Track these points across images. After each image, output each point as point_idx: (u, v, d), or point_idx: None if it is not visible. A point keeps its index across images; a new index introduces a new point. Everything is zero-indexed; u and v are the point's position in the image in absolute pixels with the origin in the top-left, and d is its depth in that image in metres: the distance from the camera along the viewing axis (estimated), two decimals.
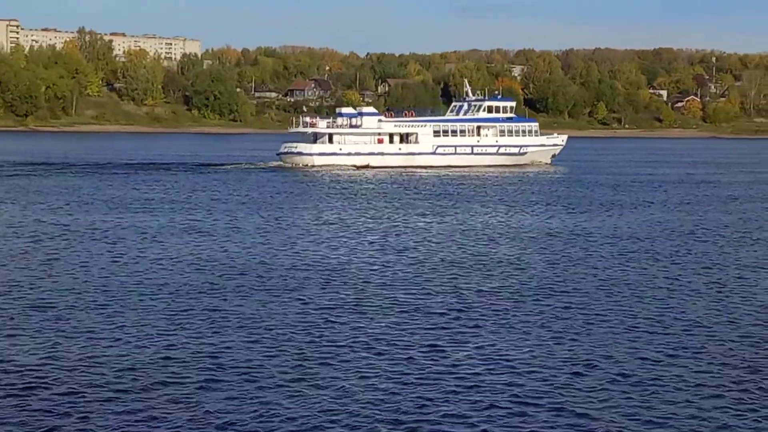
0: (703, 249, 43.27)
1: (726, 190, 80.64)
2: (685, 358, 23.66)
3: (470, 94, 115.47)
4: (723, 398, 20.54)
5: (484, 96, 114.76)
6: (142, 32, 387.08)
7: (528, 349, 24.35)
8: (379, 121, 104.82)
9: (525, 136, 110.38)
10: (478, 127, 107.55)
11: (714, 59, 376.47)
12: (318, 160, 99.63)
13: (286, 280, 33.46)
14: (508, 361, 23.19)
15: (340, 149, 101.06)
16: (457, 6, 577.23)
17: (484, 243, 44.18)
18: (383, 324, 26.88)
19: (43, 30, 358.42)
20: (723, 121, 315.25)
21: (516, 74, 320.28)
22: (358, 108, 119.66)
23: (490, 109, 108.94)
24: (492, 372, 22.20)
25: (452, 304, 29.70)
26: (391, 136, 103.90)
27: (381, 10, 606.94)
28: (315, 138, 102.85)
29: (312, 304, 29.43)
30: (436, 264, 37.54)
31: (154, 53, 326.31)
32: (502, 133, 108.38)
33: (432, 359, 23.20)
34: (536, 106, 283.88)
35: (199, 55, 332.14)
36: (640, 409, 19.66)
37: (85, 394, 20.03)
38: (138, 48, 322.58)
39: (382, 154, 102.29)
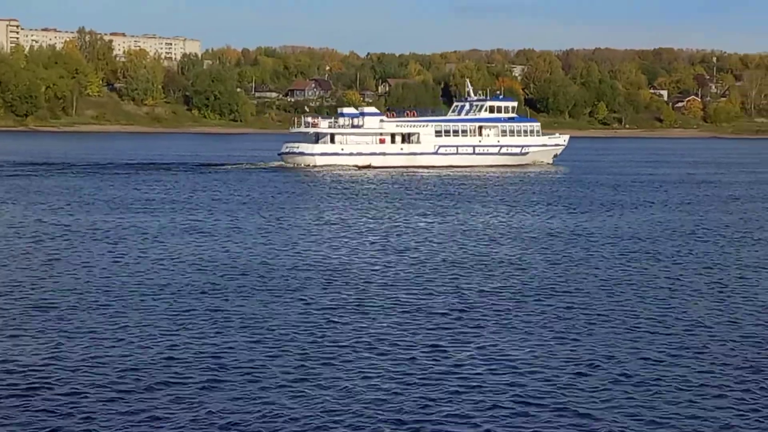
0: (704, 249, 43.27)
1: (727, 190, 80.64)
2: (687, 358, 23.67)
3: (472, 94, 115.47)
4: (725, 398, 20.54)
5: (486, 96, 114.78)
6: (142, 32, 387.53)
7: (530, 349, 24.35)
8: (381, 121, 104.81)
9: (527, 136, 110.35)
10: (480, 127, 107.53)
11: (714, 59, 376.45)
12: (320, 160, 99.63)
13: (288, 280, 33.46)
14: (510, 361, 23.20)
15: (342, 149, 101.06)
16: (457, 6, 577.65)
17: (486, 243, 44.18)
18: (385, 324, 26.88)
19: (43, 30, 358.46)
20: (724, 121, 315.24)
21: (516, 74, 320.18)
22: (359, 108, 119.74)
23: (491, 109, 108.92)
24: (494, 372, 22.20)
25: (454, 305, 29.70)
26: (392, 136, 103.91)
27: (381, 10, 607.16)
28: (317, 138, 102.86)
29: (314, 304, 29.43)
30: (438, 264, 37.54)
31: (155, 53, 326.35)
32: (503, 133, 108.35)
33: (434, 359, 23.20)
34: (537, 106, 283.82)
35: (200, 55, 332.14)
36: (642, 409, 19.66)
37: (88, 395, 20.04)
38: (138, 48, 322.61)
39: (383, 154, 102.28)
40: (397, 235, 46.83)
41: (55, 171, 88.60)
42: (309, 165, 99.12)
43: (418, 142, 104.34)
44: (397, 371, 22.10)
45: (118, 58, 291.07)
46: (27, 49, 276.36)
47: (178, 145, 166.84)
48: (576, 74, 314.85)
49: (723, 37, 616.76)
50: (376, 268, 36.46)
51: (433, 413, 19.31)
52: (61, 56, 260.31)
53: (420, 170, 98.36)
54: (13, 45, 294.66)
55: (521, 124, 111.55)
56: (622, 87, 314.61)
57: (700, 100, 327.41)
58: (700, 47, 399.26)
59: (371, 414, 19.18)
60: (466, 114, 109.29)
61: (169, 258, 37.94)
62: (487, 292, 31.90)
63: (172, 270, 35.17)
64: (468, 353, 23.84)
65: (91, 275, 33.77)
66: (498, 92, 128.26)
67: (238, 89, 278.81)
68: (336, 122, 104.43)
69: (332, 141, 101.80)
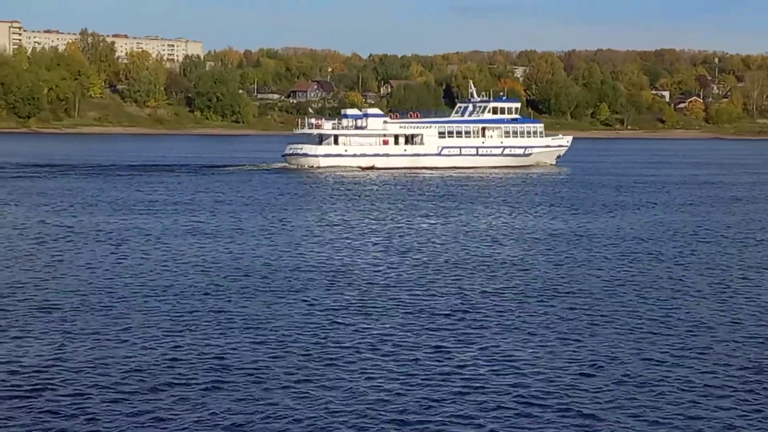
0: (707, 250, 43.27)
1: (729, 191, 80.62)
2: (690, 359, 23.68)
3: (475, 95, 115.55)
4: (728, 399, 20.56)
5: (489, 97, 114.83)
6: (144, 34, 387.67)
7: (533, 349, 24.37)
8: (385, 122, 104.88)
9: (530, 137, 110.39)
10: (483, 129, 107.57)
11: (716, 60, 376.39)
12: (323, 162, 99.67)
13: (291, 281, 33.49)
14: (513, 361, 23.22)
15: (346, 150, 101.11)
16: (457, 6, 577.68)
17: (489, 244, 44.20)
18: (388, 325, 26.90)
19: (45, 32, 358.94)
20: (725, 122, 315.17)
21: (518, 75, 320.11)
22: (363, 109, 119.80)
23: (495, 111, 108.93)
24: (497, 373, 22.23)
25: (457, 305, 29.72)
26: (396, 137, 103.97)
27: (382, 10, 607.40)
28: (320, 139, 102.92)
29: (317, 305, 29.45)
30: (441, 265, 37.55)
31: (157, 55, 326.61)
32: (507, 134, 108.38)
33: (437, 360, 23.22)
34: (539, 107, 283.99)
35: (202, 57, 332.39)
36: (645, 410, 19.67)
37: (92, 396, 20.07)
38: (140, 50, 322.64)
39: (387, 155, 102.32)
40: (400, 236, 46.85)
41: (58, 172, 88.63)
42: (312, 166, 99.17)
43: (421, 143, 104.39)
44: (401, 372, 22.12)
45: (120, 60, 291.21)
46: (29, 50, 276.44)
47: (181, 146, 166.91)
48: (578, 75, 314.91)
49: (724, 38, 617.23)
50: (380, 269, 36.48)
51: (436, 414, 19.34)
52: (64, 58, 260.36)
53: (423, 171, 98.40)
54: (16, 47, 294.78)
55: (524, 126, 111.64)
56: (624, 88, 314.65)
57: (702, 101, 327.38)
58: (702, 48, 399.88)
59: (375, 415, 19.20)
60: (470, 115, 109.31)
61: (172, 259, 37.97)
62: (490, 292, 31.92)
63: (176, 271, 35.20)
64: (471, 354, 23.86)
65: (94, 276, 33.80)
66: (501, 93, 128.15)
67: (240, 91, 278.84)
68: (339, 123, 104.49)
69: (336, 142, 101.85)
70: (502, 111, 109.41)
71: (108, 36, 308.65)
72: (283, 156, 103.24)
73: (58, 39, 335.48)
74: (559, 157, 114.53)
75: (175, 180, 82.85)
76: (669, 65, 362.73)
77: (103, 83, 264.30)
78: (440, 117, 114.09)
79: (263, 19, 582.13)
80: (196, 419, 18.80)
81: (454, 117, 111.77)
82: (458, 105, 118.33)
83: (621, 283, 34.18)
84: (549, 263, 38.47)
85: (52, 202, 61.69)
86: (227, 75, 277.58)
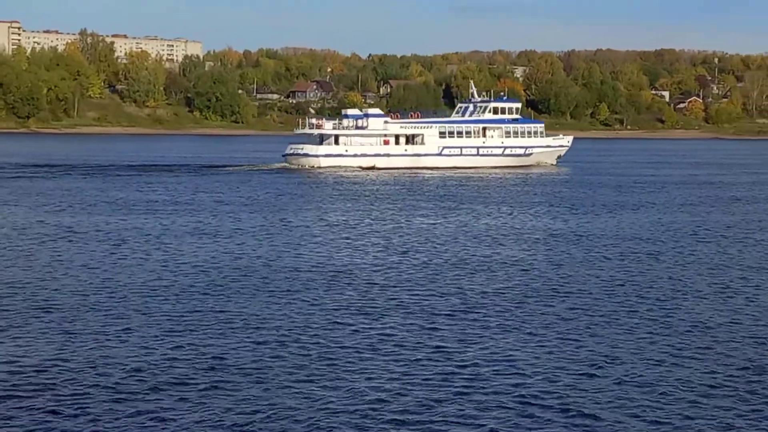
0: (706, 250, 43.28)
1: (729, 191, 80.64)
2: (691, 359, 23.70)
3: (476, 95, 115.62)
4: (728, 399, 20.58)
5: (490, 97, 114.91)
6: (144, 34, 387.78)
7: (533, 349, 24.38)
8: (385, 122, 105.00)
9: (531, 137, 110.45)
10: (484, 129, 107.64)
11: (716, 60, 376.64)
12: (324, 162, 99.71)
13: (292, 281, 33.48)
14: (513, 361, 23.23)
15: (346, 150, 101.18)
16: (457, 6, 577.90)
17: (490, 244, 44.20)
18: (389, 325, 26.90)
19: (44, 32, 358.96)
20: (725, 122, 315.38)
21: (518, 75, 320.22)
22: (363, 110, 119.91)
23: (495, 111, 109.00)
24: (498, 373, 22.23)
25: (457, 305, 29.73)
26: (396, 137, 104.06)
27: (381, 10, 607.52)
28: (321, 139, 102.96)
29: (318, 305, 29.46)
30: (442, 265, 37.56)
31: (156, 55, 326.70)
32: (507, 134, 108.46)
33: (438, 360, 23.23)
34: (538, 107, 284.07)
35: (201, 57, 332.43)
36: (646, 410, 19.69)
37: (92, 396, 20.07)
38: (140, 50, 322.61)
39: (388, 155, 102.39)
40: (400, 236, 46.86)
41: (57, 173, 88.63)
42: (313, 166, 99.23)
43: (422, 143, 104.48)
44: (401, 372, 22.13)
45: (119, 60, 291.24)
46: (29, 50, 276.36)
47: (180, 146, 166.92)
48: (577, 75, 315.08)
49: (724, 38, 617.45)
50: (380, 269, 36.48)
51: (437, 414, 19.35)
52: (63, 58, 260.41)
53: (424, 171, 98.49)
54: (15, 47, 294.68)
55: (525, 126, 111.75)
56: (624, 88, 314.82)
57: (701, 101, 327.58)
58: (702, 48, 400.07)
59: (376, 415, 19.21)
60: (470, 115, 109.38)
61: (173, 260, 37.97)
62: (491, 292, 31.92)
63: (177, 271, 35.20)
64: (471, 354, 23.87)
65: (94, 276, 33.79)
66: (502, 93, 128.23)
67: (240, 91, 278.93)
68: (340, 124, 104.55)
69: (336, 142, 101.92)
70: (503, 111, 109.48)
71: (107, 36, 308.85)
72: (283, 156, 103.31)
73: (57, 39, 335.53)
74: (559, 157, 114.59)
75: (175, 180, 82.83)
76: (669, 65, 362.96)
77: (102, 83, 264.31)
78: (441, 117, 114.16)
79: (263, 19, 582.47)
80: (197, 419, 18.80)
81: (454, 117, 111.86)
82: (459, 105, 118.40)
83: (621, 283, 34.18)
84: (549, 263, 38.48)
85: (51, 202, 61.68)
86: (226, 75, 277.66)
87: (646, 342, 25.32)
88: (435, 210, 60.15)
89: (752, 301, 31.24)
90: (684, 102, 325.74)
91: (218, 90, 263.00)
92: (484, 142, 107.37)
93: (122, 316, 27.51)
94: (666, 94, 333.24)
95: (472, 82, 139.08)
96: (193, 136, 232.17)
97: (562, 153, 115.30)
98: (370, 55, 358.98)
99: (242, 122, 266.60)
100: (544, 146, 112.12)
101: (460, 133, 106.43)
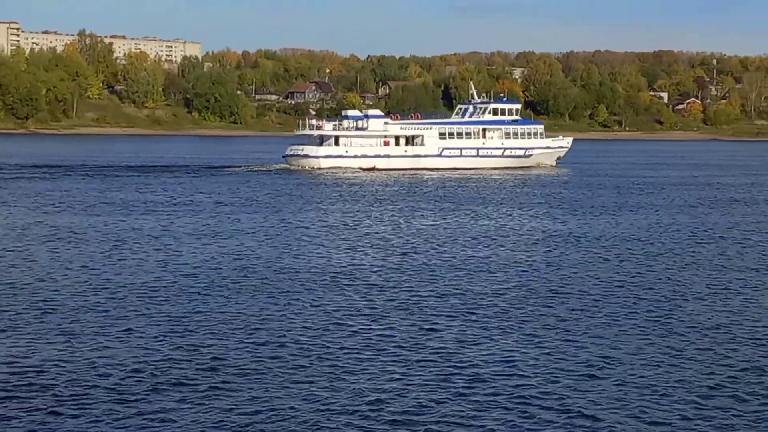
0: (706, 251, 43.30)
1: (728, 193, 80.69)
2: (691, 359, 23.73)
3: (476, 96, 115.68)
4: (729, 399, 20.62)
5: (490, 98, 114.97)
6: (143, 35, 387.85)
7: (534, 350, 24.40)
8: (385, 123, 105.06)
9: (530, 138, 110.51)
10: (484, 130, 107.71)
11: (714, 61, 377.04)
12: (324, 163, 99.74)
13: (292, 282, 33.48)
14: (513, 362, 23.25)
15: (347, 152, 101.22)
16: (457, 6, 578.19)
17: (489, 245, 44.21)
18: (389, 326, 26.92)
19: (43, 32, 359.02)
20: (724, 124, 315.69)
21: (516, 76, 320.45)
22: (364, 111, 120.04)
23: (495, 112, 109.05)
24: (498, 373, 22.26)
25: (457, 306, 29.74)
26: (397, 138, 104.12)
27: (380, 11, 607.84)
28: (321, 140, 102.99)
29: (318, 306, 29.47)
30: (442, 266, 37.57)
31: (155, 56, 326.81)
32: (507, 135, 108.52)
33: (438, 361, 23.25)
34: (537, 108, 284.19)
35: (200, 58, 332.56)
36: (646, 410, 19.72)
37: (93, 396, 20.08)
38: (138, 50, 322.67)
39: (388, 156, 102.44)
40: (400, 237, 46.87)
41: (56, 173, 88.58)
42: (314, 167, 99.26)
43: (422, 144, 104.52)
44: (402, 373, 22.15)
45: (118, 61, 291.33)
46: (27, 51, 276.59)
47: (179, 147, 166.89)
48: (576, 76, 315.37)
49: (723, 39, 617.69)
50: (380, 270, 36.48)
51: (437, 414, 19.36)
52: (62, 59, 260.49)
53: (424, 172, 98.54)
54: (14, 47, 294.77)
55: (525, 127, 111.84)
56: (622, 89, 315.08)
57: (700, 102, 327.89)
58: (700, 49, 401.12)
59: (376, 415, 19.22)
60: (470, 116, 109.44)
61: (173, 260, 37.97)
62: (491, 294, 31.93)
63: (176, 272, 35.19)
64: (471, 354, 23.88)
65: (94, 277, 33.78)
66: (502, 95, 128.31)
67: (239, 92, 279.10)
68: (340, 125, 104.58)
69: (337, 143, 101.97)
70: (503, 112, 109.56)
71: (106, 37, 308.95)
72: (284, 157, 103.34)
73: (56, 40, 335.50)
74: (559, 158, 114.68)
75: (175, 181, 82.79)
76: (667, 66, 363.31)
77: (101, 84, 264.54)
78: (440, 118, 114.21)
79: (261, 20, 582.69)
80: (197, 420, 18.81)
81: (454, 118, 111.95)
82: (459, 106, 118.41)
83: (620, 284, 34.20)
84: (549, 264, 38.50)
85: (50, 203, 61.65)
86: (225, 76, 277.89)
87: (645, 343, 25.33)
88: (435, 211, 60.17)
89: (751, 302, 31.25)
90: (682, 103, 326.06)
91: (217, 91, 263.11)
92: (484, 143, 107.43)
93: (122, 316, 27.51)
94: (664, 95, 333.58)
95: (472, 83, 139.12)
96: (191, 137, 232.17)
97: (562, 154, 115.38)
98: (368, 56, 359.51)
99: (241, 123, 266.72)
100: (544, 147, 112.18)
101: (460, 135, 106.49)
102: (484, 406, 19.89)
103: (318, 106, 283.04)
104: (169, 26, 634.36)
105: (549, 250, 42.70)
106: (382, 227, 50.95)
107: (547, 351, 24.35)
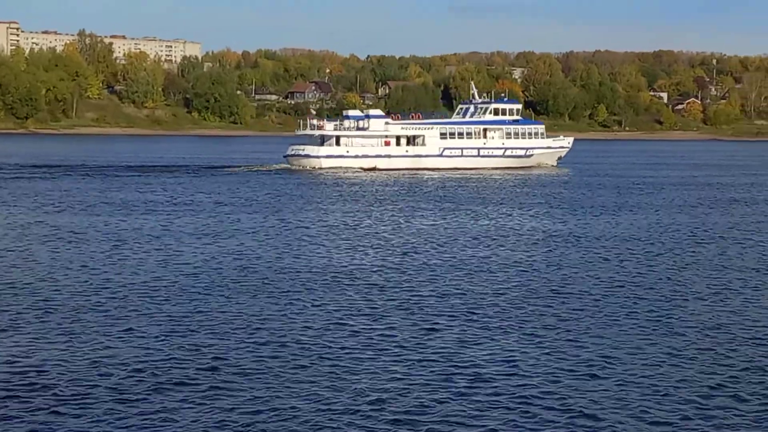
0: (706, 251, 43.34)
1: (728, 193, 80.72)
2: (691, 359, 23.75)
3: (477, 96, 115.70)
4: (729, 399, 20.64)
5: (491, 98, 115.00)
6: (143, 35, 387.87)
7: (534, 350, 24.42)
8: (386, 123, 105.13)
9: (531, 138, 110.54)
10: (485, 130, 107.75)
11: (714, 61, 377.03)
12: (325, 163, 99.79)
13: (293, 282, 33.50)
14: (514, 362, 23.27)
15: (348, 152, 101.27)
16: (457, 6, 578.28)
17: (490, 245, 44.23)
18: (390, 326, 26.94)
19: (43, 32, 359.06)
20: (723, 124, 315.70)
21: (516, 77, 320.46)
22: (365, 111, 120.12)
23: (496, 112, 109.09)
24: (499, 373, 22.28)
25: (458, 306, 29.77)
26: (398, 138, 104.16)
27: (380, 11, 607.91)
28: (322, 140, 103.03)
29: (319, 306, 29.49)
30: (442, 266, 37.59)
31: (155, 56, 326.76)
32: (508, 135, 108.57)
33: (439, 361, 23.27)
34: (537, 108, 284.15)
35: (200, 58, 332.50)
36: (647, 410, 19.74)
37: (94, 396, 20.09)
38: (138, 50, 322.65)
39: (389, 156, 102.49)
40: (401, 237, 46.89)
41: (56, 173, 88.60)
42: (315, 167, 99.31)
43: (423, 144, 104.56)
44: (403, 372, 22.17)
45: (118, 61, 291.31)
46: (27, 51, 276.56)
47: (179, 147, 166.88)
48: (576, 76, 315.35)
49: (723, 39, 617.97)
50: (381, 270, 36.50)
51: (438, 414, 19.38)
52: (62, 59, 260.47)
53: (425, 172, 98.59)
54: (14, 47, 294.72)
55: (526, 127, 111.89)
56: (622, 89, 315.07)
57: (699, 102, 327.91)
58: (700, 49, 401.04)
59: (378, 415, 19.24)
60: (471, 116, 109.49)
61: (174, 260, 37.98)
62: (492, 293, 31.95)
63: (177, 272, 35.20)
64: (472, 354, 23.90)
65: (94, 277, 33.79)
66: (503, 95, 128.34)
67: (238, 92, 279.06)
68: (341, 125, 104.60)
69: (338, 143, 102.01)
70: (504, 112, 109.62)
71: (106, 37, 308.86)
72: (285, 157, 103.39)
73: (56, 40, 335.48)
74: (560, 158, 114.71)
75: (176, 181, 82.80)
76: (667, 66, 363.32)
77: (100, 84, 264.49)
78: (440, 118, 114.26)
79: (261, 20, 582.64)
80: (199, 419, 18.83)
81: (455, 118, 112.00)
82: (459, 106, 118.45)
83: (620, 284, 34.22)
84: (549, 264, 38.52)
85: (50, 202, 61.66)
86: (225, 76, 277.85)
87: (646, 342, 25.35)
88: (436, 211, 60.19)
89: (752, 302, 31.28)
90: (682, 103, 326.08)
91: (217, 91, 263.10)
92: (484, 144, 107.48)
93: (123, 316, 27.53)
94: (664, 95, 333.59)
95: (473, 83, 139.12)
96: (191, 137, 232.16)
97: (563, 154, 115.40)
98: (368, 56, 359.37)
99: (241, 123, 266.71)
100: (545, 147, 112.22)
101: (461, 134, 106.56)
102: (486, 406, 19.91)
103: (318, 106, 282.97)
104: (169, 26, 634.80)
105: (549, 250, 42.72)
106: (383, 227, 50.97)
107: (547, 351, 24.37)
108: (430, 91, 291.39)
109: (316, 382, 21.32)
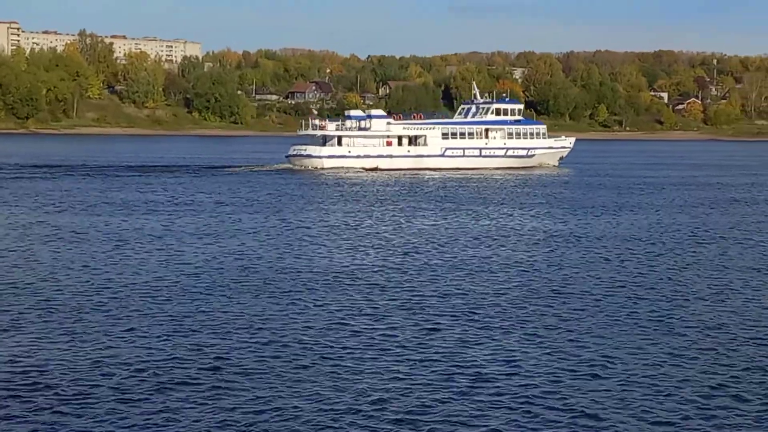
0: (706, 251, 43.35)
1: (728, 193, 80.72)
2: (692, 360, 23.77)
3: (478, 96, 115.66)
4: (729, 399, 20.66)
5: (492, 98, 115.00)
6: (143, 35, 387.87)
7: (536, 350, 24.44)
8: (388, 123, 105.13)
9: (533, 138, 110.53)
10: (487, 130, 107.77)
11: (715, 61, 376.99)
12: (327, 163, 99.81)
13: (295, 282, 33.52)
14: (516, 362, 23.30)
15: (349, 152, 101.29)
16: (457, 6, 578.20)
17: (491, 245, 44.25)
18: (391, 326, 26.96)
19: (43, 32, 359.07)
20: (724, 124, 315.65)
21: (517, 77, 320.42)
22: (366, 111, 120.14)
23: (498, 112, 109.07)
24: (500, 373, 22.30)
25: (460, 306, 29.79)
26: (399, 138, 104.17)
27: (381, 11, 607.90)
28: (324, 140, 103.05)
29: (320, 306, 29.51)
30: (444, 266, 37.61)
31: (155, 56, 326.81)
32: (510, 135, 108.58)
33: (440, 361, 23.29)
34: (537, 108, 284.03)
35: (200, 58, 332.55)
36: (648, 410, 19.76)
37: (96, 396, 20.12)
38: (139, 50, 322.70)
39: (390, 156, 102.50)
40: (402, 237, 46.90)
41: (57, 173, 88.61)
42: (316, 167, 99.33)
43: (425, 144, 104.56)
44: (404, 372, 22.19)
45: (118, 61, 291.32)
46: (28, 51, 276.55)
47: (179, 147, 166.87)
48: (576, 77, 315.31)
49: (723, 39, 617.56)
50: (382, 270, 36.52)
51: (440, 414, 19.40)
52: (62, 59, 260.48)
53: (427, 172, 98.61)
54: (14, 47, 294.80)
55: (527, 127, 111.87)
56: (623, 89, 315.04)
57: (700, 102, 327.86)
58: (700, 49, 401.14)
59: (380, 415, 19.27)
60: (473, 116, 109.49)
61: (176, 260, 38.00)
62: (493, 294, 31.98)
63: (179, 272, 35.23)
64: (473, 354, 23.93)
65: (95, 277, 33.81)
66: (504, 95, 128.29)
67: (239, 92, 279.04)
68: (343, 125, 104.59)
69: (339, 143, 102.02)
70: (505, 112, 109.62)
71: (106, 37, 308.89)
72: (286, 157, 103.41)
73: (56, 40, 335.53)
74: (561, 158, 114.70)
75: (176, 181, 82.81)
76: (667, 66, 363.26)
77: (101, 84, 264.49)
78: (441, 118, 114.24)
79: (261, 20, 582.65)
80: (201, 419, 18.86)
81: (457, 118, 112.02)
82: (461, 106, 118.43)
83: (621, 284, 34.24)
84: (550, 264, 38.55)
85: (51, 202, 61.68)
86: (225, 76, 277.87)
87: (647, 342, 25.38)
88: (437, 211, 60.21)
89: (753, 302, 31.30)
90: (683, 103, 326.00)
91: (217, 91, 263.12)
92: (486, 144, 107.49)
93: (125, 316, 27.55)
94: (665, 95, 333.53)
95: (474, 83, 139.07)
96: (192, 137, 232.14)
97: (564, 154, 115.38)
98: (368, 56, 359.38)
99: (241, 123, 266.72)
100: (547, 148, 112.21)
101: (462, 135, 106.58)
102: (487, 406, 19.93)
103: (318, 106, 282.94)
104: (170, 26, 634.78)
105: (551, 250, 42.74)
106: (384, 227, 50.99)
107: (549, 350, 24.39)
108: (431, 91, 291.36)
109: (318, 381, 21.35)
